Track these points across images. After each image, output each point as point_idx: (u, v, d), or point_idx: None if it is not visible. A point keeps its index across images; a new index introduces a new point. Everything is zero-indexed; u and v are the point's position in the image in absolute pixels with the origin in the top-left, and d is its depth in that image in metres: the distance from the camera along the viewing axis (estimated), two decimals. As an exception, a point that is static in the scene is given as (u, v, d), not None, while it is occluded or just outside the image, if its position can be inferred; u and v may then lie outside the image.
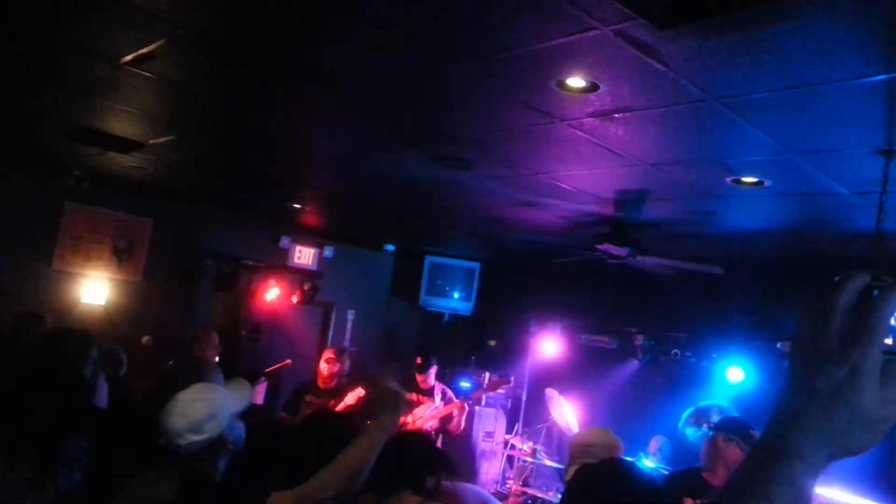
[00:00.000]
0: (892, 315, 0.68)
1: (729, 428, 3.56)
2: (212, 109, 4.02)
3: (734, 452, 3.36)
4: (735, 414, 5.68)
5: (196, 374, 3.07)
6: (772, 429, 0.70)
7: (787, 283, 5.57)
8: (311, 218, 7.47)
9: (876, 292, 0.69)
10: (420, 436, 3.18)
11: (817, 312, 0.71)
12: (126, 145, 4.92)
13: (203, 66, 3.36)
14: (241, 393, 2.37)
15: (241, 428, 2.26)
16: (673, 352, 6.89)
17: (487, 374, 8.15)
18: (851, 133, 3.01)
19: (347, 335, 8.67)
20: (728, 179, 3.91)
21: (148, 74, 3.46)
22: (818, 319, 0.70)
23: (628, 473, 1.68)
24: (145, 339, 6.31)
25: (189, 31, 2.89)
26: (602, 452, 2.54)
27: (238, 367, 6.18)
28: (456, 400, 6.09)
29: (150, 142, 4.84)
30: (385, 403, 2.10)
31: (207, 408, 2.18)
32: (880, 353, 0.67)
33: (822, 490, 4.83)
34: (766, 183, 3.86)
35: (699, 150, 3.60)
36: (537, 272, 8.36)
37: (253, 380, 5.76)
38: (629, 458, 2.75)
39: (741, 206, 4.52)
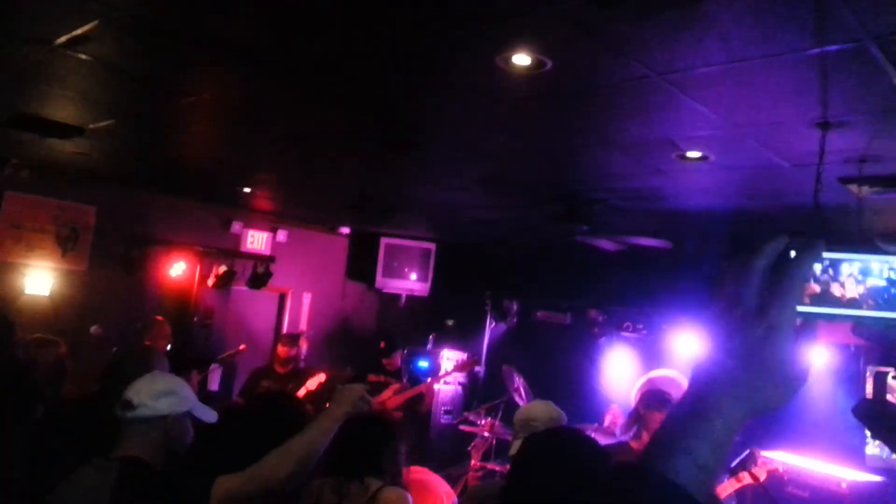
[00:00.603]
0: (806, 275, 0.71)
1: (648, 396, 3.84)
2: (151, 92, 3.91)
3: (655, 417, 3.58)
4: (685, 383, 5.85)
5: (142, 362, 3.03)
6: (693, 388, 0.72)
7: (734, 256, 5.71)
8: (262, 202, 7.36)
9: (793, 254, 0.72)
10: (381, 419, 3.16)
11: (738, 275, 0.73)
12: (65, 131, 4.75)
13: (139, 47, 3.26)
14: (208, 409, 2.42)
15: (188, 430, 2.26)
16: (625, 324, 7.05)
17: (445, 354, 8.20)
18: (789, 106, 3.09)
19: (304, 319, 8.62)
20: (674, 155, 3.99)
21: (84, 57, 3.34)
22: (739, 282, 0.73)
23: (572, 441, 1.71)
24: (94, 328, 6.16)
25: (123, 12, 2.80)
26: (545, 425, 2.61)
27: (190, 355, 6.08)
28: (423, 381, 6.11)
29: (90, 126, 4.69)
30: (341, 395, 2.11)
31: (172, 385, 2.27)
32: (795, 312, 0.70)
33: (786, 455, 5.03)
34: (711, 157, 3.94)
35: (645, 127, 3.65)
36: (493, 251, 8.42)
37: (205, 366, 5.70)
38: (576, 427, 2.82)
39: (688, 181, 4.61)
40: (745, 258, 0.74)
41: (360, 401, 2.17)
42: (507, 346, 8.48)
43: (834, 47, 2.45)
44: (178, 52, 3.27)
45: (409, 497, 2.58)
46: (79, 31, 3.01)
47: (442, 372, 7.04)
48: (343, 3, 2.59)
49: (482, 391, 8.23)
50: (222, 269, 7.19)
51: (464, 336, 8.67)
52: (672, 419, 0.72)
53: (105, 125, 4.60)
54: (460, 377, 8.10)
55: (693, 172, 4.33)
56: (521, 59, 2.91)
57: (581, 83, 3.13)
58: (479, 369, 7.91)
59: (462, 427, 6.90)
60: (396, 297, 8.85)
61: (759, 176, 4.25)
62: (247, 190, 6.61)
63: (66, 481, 2.10)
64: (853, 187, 4.00)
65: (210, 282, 7.22)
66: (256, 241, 7.85)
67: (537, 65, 2.93)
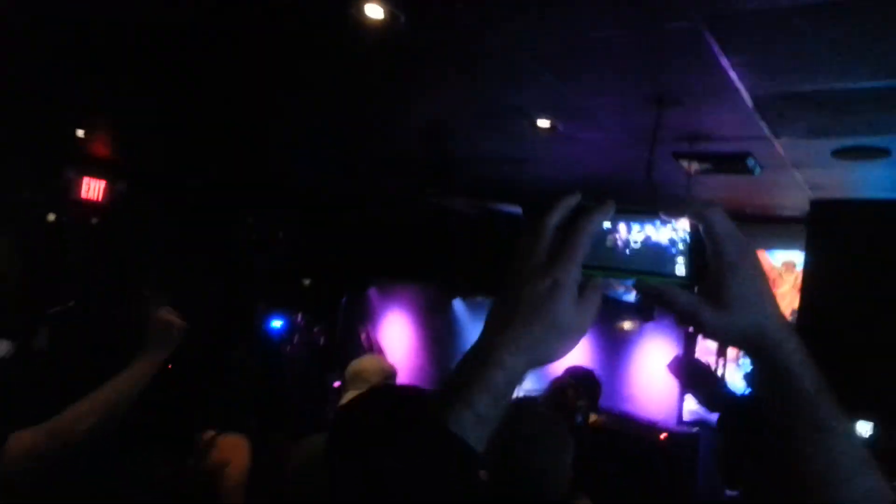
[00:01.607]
0: (592, 232, 0.73)
1: None
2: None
3: None
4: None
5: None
6: (479, 340, 0.73)
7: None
8: (99, 148, 6.78)
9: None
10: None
11: (531, 231, 0.75)
12: None
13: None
14: None
15: None
16: (481, 288, 7.23)
17: (300, 315, 8.06)
18: (629, 82, 3.24)
19: (150, 273, 8.10)
20: (526, 122, 4.07)
21: None
22: (530, 237, 0.74)
23: (393, 400, 1.70)
24: None
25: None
26: (374, 378, 2.63)
27: (14, 310, 5.53)
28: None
29: None
30: (155, 334, 1.90)
31: None
32: (579, 268, 0.72)
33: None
34: (559, 128, 4.06)
35: (499, 92, 3.69)
36: (354, 212, 8.30)
37: (32, 324, 5.21)
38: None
39: (542, 150, 4.73)
40: (540, 215, 0.75)
41: (178, 334, 1.93)
42: (366, 307, 8.48)
43: (669, 26, 2.57)
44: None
45: (247, 443, 2.55)
46: None
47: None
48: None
49: (339, 353, 8.18)
50: (50, 217, 6.58)
51: (321, 296, 8.55)
52: (456, 370, 0.72)
53: None
54: (316, 337, 8.01)
55: (545, 142, 4.45)
56: (374, 12, 2.83)
57: (435, 42, 3.10)
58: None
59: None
60: (250, 251, 8.53)
61: (602, 148, 4.44)
62: (80, 133, 6.03)
63: None
64: (684, 163, 4.29)
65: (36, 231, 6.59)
66: (92, 189, 7.20)
67: (391, 17, 2.87)
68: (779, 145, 3.91)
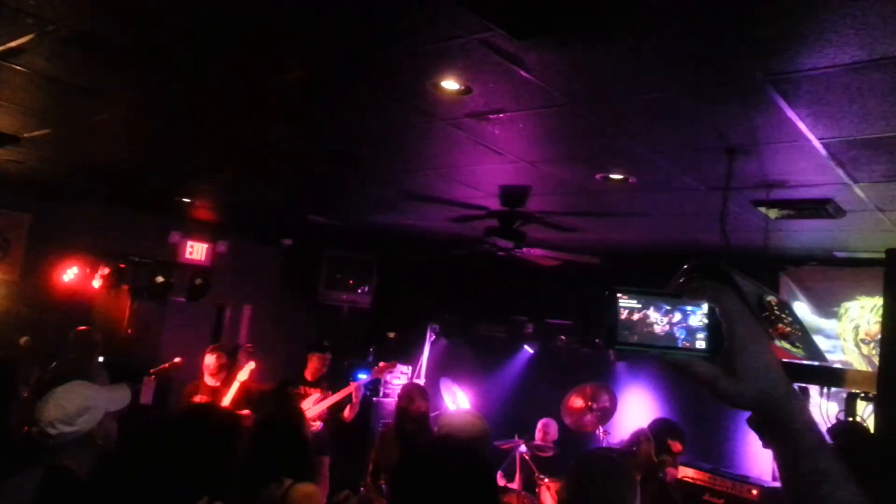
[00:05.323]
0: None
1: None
2: (88, 102, 3.92)
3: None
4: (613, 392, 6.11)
5: (79, 376, 3.05)
6: None
7: (659, 272, 5.97)
8: (202, 212, 7.33)
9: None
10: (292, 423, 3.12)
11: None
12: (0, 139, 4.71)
13: (76, 60, 3.28)
14: (119, 393, 2.47)
15: (113, 427, 2.33)
16: (559, 338, 7.26)
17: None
18: (698, 134, 3.32)
19: (243, 331, 8.56)
20: (598, 176, 4.20)
21: (18, 68, 3.35)
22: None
23: (452, 454, 1.77)
24: (23, 339, 6.03)
25: (60, 27, 2.84)
26: (465, 434, 2.72)
27: (122, 366, 6.00)
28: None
29: (25, 135, 4.65)
30: None
31: (82, 401, 2.29)
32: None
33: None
34: (631, 180, 4.16)
35: (569, 150, 3.85)
36: (433, 265, 8.55)
37: (139, 378, 5.65)
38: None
39: (613, 200, 4.83)
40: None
41: None
42: (447, 358, 8.62)
43: (726, 81, 2.67)
44: (113, 64, 3.30)
45: (318, 491, 2.68)
46: (13, 44, 3.03)
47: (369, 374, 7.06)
48: (282, 34, 2.69)
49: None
50: (158, 279, 7.12)
51: (405, 348, 8.77)
52: None
53: (40, 134, 4.57)
54: (399, 389, 8.17)
55: (617, 192, 4.55)
56: (450, 85, 3.06)
57: (506, 108, 3.30)
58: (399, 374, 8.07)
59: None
60: (338, 308, 8.89)
61: (677, 198, 4.49)
62: (186, 200, 6.58)
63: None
64: (763, 210, 4.29)
65: (145, 293, 7.14)
66: (195, 251, 7.78)
67: (465, 90, 3.09)
68: (859, 190, 3.87)
